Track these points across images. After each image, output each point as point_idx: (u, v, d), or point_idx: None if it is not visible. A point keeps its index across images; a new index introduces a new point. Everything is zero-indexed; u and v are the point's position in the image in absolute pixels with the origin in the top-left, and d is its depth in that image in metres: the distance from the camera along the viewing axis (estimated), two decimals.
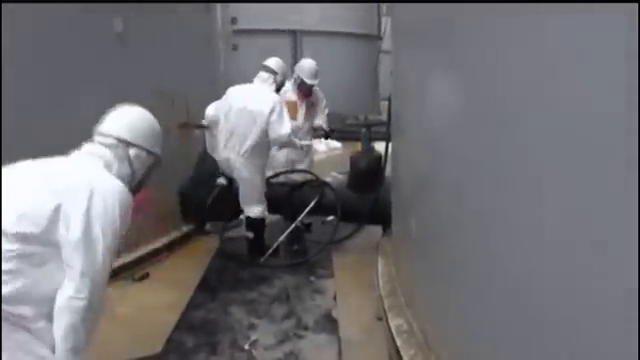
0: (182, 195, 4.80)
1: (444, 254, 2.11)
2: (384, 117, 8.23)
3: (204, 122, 4.68)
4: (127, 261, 3.82)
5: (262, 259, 4.30)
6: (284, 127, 4.14)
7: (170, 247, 4.41)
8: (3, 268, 1.48)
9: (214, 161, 4.72)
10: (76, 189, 1.63)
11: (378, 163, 4.43)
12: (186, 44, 5.00)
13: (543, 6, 1.14)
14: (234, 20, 7.16)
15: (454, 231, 1.94)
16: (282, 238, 4.42)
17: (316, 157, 9.43)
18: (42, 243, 1.56)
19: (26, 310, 1.53)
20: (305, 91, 5.13)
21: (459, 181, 1.85)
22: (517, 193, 1.35)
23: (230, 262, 4.30)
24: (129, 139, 1.83)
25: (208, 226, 5.11)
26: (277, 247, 4.37)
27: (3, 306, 1.48)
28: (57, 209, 1.57)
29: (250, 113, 4.16)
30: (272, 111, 4.11)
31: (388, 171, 4.39)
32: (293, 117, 4.94)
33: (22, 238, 1.53)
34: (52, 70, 3.51)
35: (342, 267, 4.15)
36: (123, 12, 4.05)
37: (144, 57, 4.26)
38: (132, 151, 1.83)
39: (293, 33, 12.40)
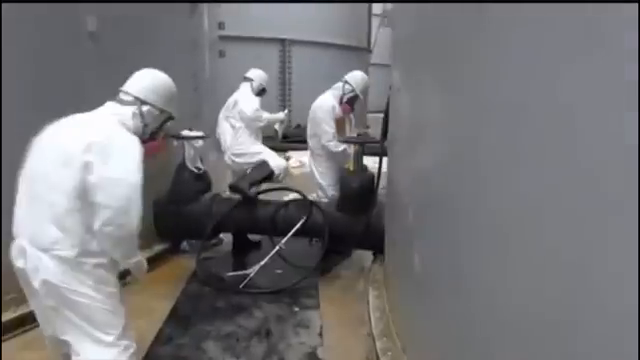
0: (157, 210, 4.42)
1: (459, 301, 1.78)
2: (373, 131, 7.94)
3: (184, 132, 4.32)
4: None
5: (241, 285, 3.93)
6: (249, 107, 4.80)
7: None
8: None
9: (193, 174, 4.36)
10: (97, 145, 1.89)
11: (371, 183, 4.11)
12: (167, 47, 4.64)
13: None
14: (221, 25, 6.81)
15: (474, 271, 1.61)
16: (263, 262, 4.06)
17: (298, 171, 9.22)
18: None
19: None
20: (353, 105, 4.84)
21: (488, 210, 1.52)
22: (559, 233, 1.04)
23: (206, 287, 3.92)
24: (143, 97, 2.13)
25: (184, 245, 4.73)
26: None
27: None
28: (86, 162, 1.86)
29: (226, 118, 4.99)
30: (237, 101, 4.89)
31: (380, 191, 4.10)
32: (342, 133, 4.82)
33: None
34: (21, 70, 3.13)
35: (329, 296, 3.80)
36: (98, 11, 3.68)
37: (118, 59, 3.88)
38: (145, 108, 2.12)
39: (282, 42, 12.12)
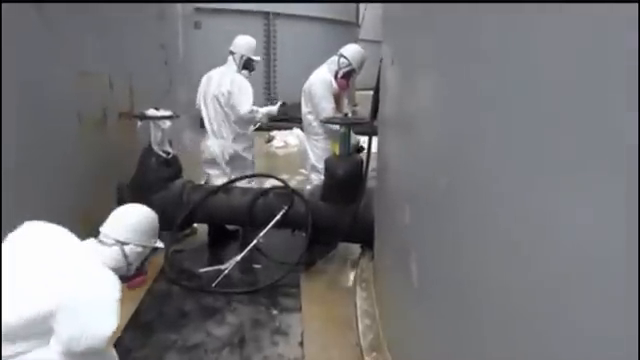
0: (121, 198, 3.96)
1: (464, 319, 1.39)
2: (361, 109, 7.48)
3: (150, 112, 3.84)
4: None
5: (214, 284, 3.51)
6: (244, 106, 4.18)
7: None
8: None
9: (161, 158, 3.90)
10: (64, 309, 1.72)
11: (359, 169, 3.68)
12: (130, 17, 4.13)
13: None
14: None
15: (484, 287, 1.22)
16: (239, 257, 3.64)
17: (283, 151, 8.77)
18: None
19: None
20: (349, 80, 4.40)
21: (499, 214, 1.12)
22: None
23: (175, 287, 3.50)
24: (124, 240, 1.98)
25: None
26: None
27: None
28: (52, 312, 1.70)
29: (214, 97, 4.27)
30: (230, 92, 4.19)
31: (371, 174, 3.69)
32: (339, 110, 4.35)
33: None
34: None
35: (311, 297, 3.40)
36: None
37: (70, 31, 3.37)
38: (128, 248, 1.98)
39: (266, 15, 11.49)
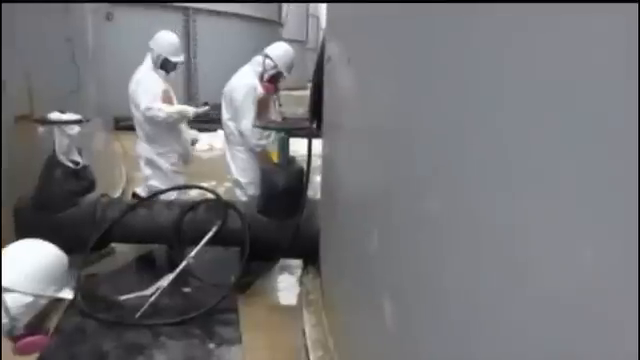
0: (19, 219, 3.36)
1: None
2: (286, 110, 7.17)
3: (53, 115, 3.28)
4: None
5: (137, 314, 3.04)
6: (143, 99, 3.83)
7: None
8: None
9: (69, 169, 3.35)
10: None
11: (299, 180, 3.37)
12: (30, 7, 3.52)
13: None
14: None
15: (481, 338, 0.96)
16: (167, 282, 3.19)
17: (208, 155, 8.26)
18: None
19: None
20: (276, 83, 3.98)
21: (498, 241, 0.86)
22: None
23: (90, 320, 2.99)
24: (6, 285, 1.49)
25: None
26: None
27: None
28: None
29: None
30: (134, 90, 3.91)
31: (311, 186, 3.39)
32: (264, 116, 3.93)
33: None
34: None
35: (252, 324, 3.03)
36: None
37: None
38: (10, 297, 1.48)
39: (185, 10, 10.84)
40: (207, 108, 4.22)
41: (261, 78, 3.87)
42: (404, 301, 1.50)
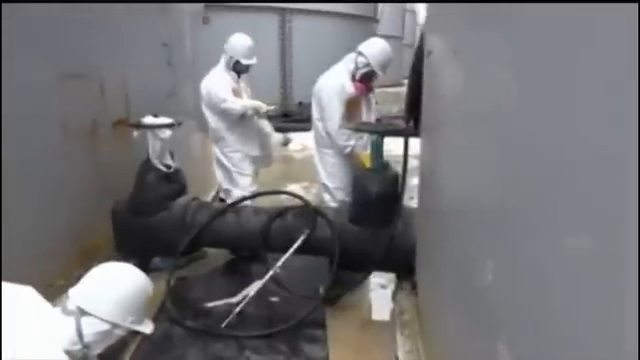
0: (116, 221, 3.43)
1: None
2: (381, 108, 6.83)
3: (147, 119, 3.29)
4: None
5: (224, 323, 2.94)
6: (207, 85, 3.88)
7: None
8: None
9: (161, 173, 3.35)
10: None
11: (394, 186, 3.08)
12: (127, 12, 3.58)
13: None
14: None
15: None
16: (254, 290, 3.07)
17: (300, 155, 8.19)
18: None
19: None
20: (370, 83, 3.75)
21: None
22: None
23: (177, 328, 2.94)
24: (85, 307, 1.39)
25: (156, 262, 3.72)
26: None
27: None
28: None
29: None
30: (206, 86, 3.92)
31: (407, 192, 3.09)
32: (355, 117, 3.70)
33: None
34: None
35: (341, 342, 2.80)
36: None
37: (51, 28, 2.84)
38: (85, 320, 1.38)
39: (282, 11, 10.91)
40: (272, 107, 4.26)
41: (353, 77, 3.61)
42: (526, 350, 1.17)
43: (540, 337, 1.09)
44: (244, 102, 3.93)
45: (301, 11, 11.09)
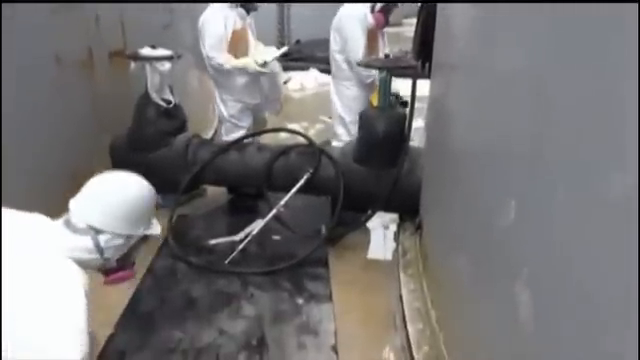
0: (115, 157, 3.35)
1: None
2: (391, 48, 6.67)
3: (145, 51, 3.14)
4: None
5: (227, 260, 2.95)
6: (207, 40, 3.48)
7: None
8: None
9: (160, 108, 3.24)
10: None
11: (401, 125, 3.00)
12: None
13: None
14: None
15: None
16: (257, 229, 3.06)
17: (299, 95, 8.02)
18: None
19: None
20: (387, 17, 3.62)
21: None
22: None
23: (180, 263, 2.95)
24: (99, 227, 1.42)
25: (157, 198, 3.67)
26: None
27: None
28: None
29: None
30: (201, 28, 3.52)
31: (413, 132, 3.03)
32: (373, 52, 3.60)
33: None
34: None
35: (344, 281, 2.82)
36: None
37: None
38: (103, 238, 1.43)
39: None
40: (284, 49, 3.94)
41: (372, 9, 3.50)
42: (546, 292, 1.15)
43: (562, 281, 1.06)
44: (232, 62, 3.51)
45: None
